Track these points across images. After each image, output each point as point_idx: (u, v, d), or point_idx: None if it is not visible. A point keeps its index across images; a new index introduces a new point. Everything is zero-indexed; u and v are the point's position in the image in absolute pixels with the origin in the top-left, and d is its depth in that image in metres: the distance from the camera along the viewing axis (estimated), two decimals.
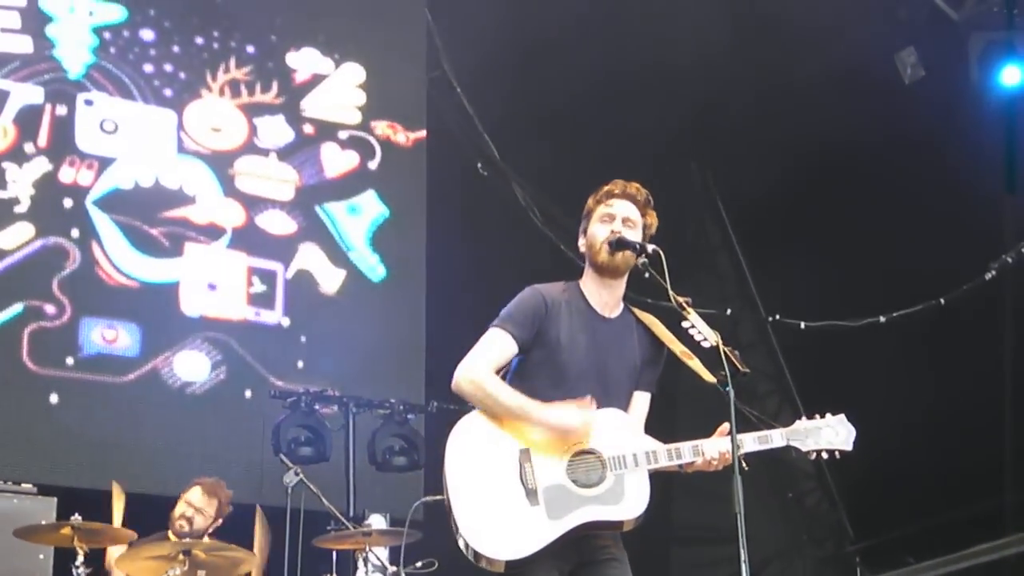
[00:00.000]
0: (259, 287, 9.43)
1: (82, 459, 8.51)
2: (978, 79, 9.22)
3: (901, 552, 9.84)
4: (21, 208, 8.77)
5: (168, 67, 9.49)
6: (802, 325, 10.24)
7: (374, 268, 9.86)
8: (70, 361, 8.70)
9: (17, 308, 8.61)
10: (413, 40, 10.35)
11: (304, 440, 8.51)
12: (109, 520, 6.79)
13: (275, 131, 9.77)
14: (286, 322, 9.48)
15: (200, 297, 9.23)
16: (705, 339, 4.54)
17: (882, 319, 9.79)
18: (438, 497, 4.51)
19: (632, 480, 4.47)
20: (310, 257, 9.63)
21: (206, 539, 7.10)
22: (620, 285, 4.74)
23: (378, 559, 7.10)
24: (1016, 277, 9.21)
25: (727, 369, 4.39)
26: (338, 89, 10.08)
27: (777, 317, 10.57)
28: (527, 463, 4.45)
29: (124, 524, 6.86)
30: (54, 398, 8.60)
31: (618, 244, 4.63)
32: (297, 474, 7.25)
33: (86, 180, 9.02)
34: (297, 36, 10.00)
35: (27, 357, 8.57)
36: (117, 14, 9.41)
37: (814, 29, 8.99)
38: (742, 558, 4.20)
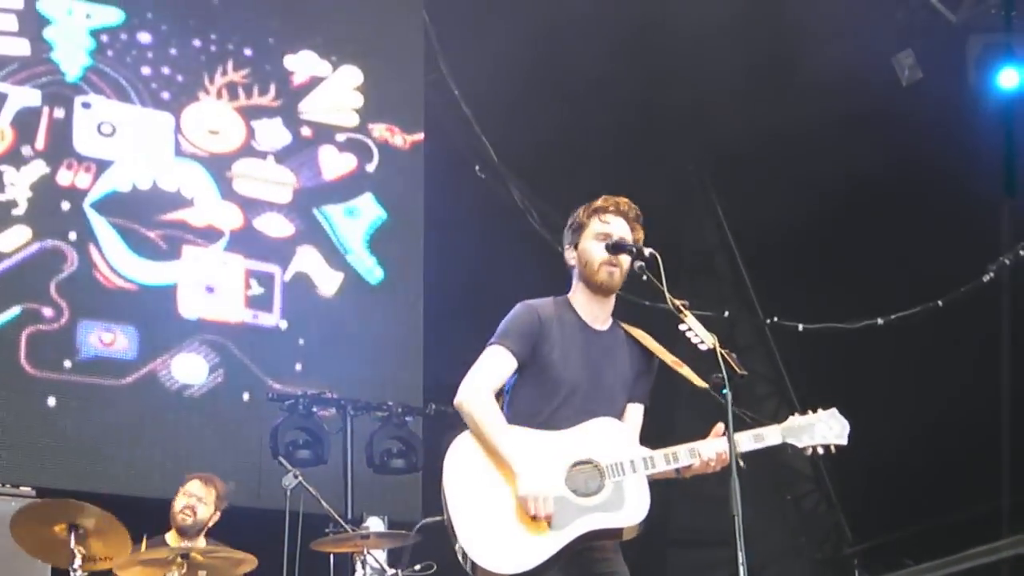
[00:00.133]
0: (257, 290, 9.43)
1: (80, 462, 8.51)
2: (976, 81, 9.23)
3: (899, 554, 9.85)
4: (19, 211, 8.76)
5: (166, 70, 9.48)
6: (800, 327, 10.25)
7: (372, 270, 9.86)
8: (68, 364, 8.69)
9: (15, 311, 8.60)
10: (411, 43, 10.35)
11: (302, 443, 8.50)
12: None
13: (273, 134, 9.77)
14: (284, 325, 9.48)
15: (198, 300, 9.23)
16: (702, 342, 4.53)
17: (880, 321, 9.80)
18: (439, 518, 4.52)
19: (631, 486, 4.47)
20: (308, 260, 9.63)
21: (202, 541, 7.11)
22: (611, 301, 4.77)
23: (376, 562, 7.10)
24: (1014, 279, 9.21)
25: (724, 372, 4.39)
26: (336, 92, 10.08)
27: (775, 319, 10.58)
28: None
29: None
30: (52, 401, 8.59)
31: (615, 247, 4.65)
32: (296, 477, 7.24)
33: (84, 183, 9.02)
34: (295, 39, 10.00)
35: (25, 360, 8.56)
36: (114, 17, 9.41)
37: (812, 29, 8.99)
38: (740, 560, 4.19)
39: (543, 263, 9.31)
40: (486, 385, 4.58)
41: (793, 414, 4.72)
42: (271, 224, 9.60)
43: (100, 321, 8.86)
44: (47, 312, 8.69)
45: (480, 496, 4.44)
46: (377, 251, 9.88)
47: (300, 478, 7.25)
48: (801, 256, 10.19)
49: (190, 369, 9.06)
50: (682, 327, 4.59)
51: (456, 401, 4.58)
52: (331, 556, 7.33)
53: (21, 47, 9.03)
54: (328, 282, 9.66)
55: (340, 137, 10.00)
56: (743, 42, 9.58)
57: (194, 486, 7.23)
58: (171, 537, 7.16)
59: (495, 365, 4.61)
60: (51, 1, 9.20)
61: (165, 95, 9.44)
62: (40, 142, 8.93)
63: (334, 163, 9.94)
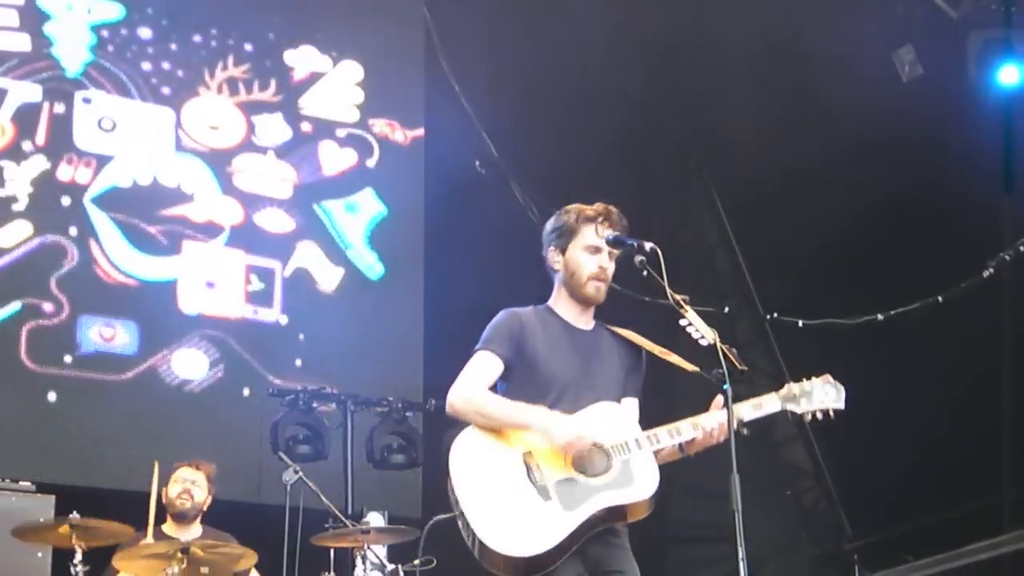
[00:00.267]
0: (257, 285, 9.43)
1: (80, 457, 8.52)
2: (976, 78, 9.22)
3: (899, 550, 9.84)
4: (19, 206, 8.77)
5: (166, 65, 9.48)
6: (800, 323, 10.25)
7: (372, 266, 9.86)
8: (68, 359, 8.70)
9: (15, 306, 8.61)
10: (411, 38, 10.35)
11: (302, 438, 8.51)
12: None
13: (273, 129, 9.77)
14: (284, 320, 9.49)
15: (198, 295, 9.24)
16: (703, 337, 4.55)
17: (880, 317, 9.79)
18: (450, 515, 4.53)
19: (639, 462, 4.51)
20: (308, 255, 9.64)
21: (198, 528, 7.11)
22: (592, 308, 4.81)
23: (376, 557, 7.10)
24: (1014, 275, 9.21)
25: (725, 367, 4.41)
26: (336, 87, 10.08)
27: (775, 315, 10.57)
28: (533, 463, 4.49)
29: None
30: (52, 396, 8.60)
31: (615, 242, 4.67)
32: (296, 472, 7.25)
33: (84, 178, 9.02)
34: (295, 34, 10.00)
35: (25, 355, 8.57)
36: (115, 12, 9.41)
37: (809, 28, 8.99)
38: (740, 556, 4.20)
39: (543, 259, 9.29)
40: (476, 386, 4.61)
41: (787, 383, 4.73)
42: (271, 219, 9.61)
43: (100, 316, 8.87)
44: (47, 307, 8.69)
45: (491, 485, 4.45)
46: (377, 247, 9.88)
47: (300, 473, 7.26)
48: (801, 252, 10.17)
49: (190, 364, 9.07)
50: (683, 322, 4.61)
51: (448, 404, 4.60)
52: (331, 551, 7.33)
53: (22, 42, 9.02)
54: (328, 278, 9.67)
55: (340, 132, 10.01)
56: (743, 40, 9.58)
57: (185, 472, 7.24)
58: (168, 527, 7.16)
59: (482, 369, 4.65)
60: None
61: (165, 90, 9.45)
62: (41, 137, 8.93)
63: (334, 158, 9.95)
